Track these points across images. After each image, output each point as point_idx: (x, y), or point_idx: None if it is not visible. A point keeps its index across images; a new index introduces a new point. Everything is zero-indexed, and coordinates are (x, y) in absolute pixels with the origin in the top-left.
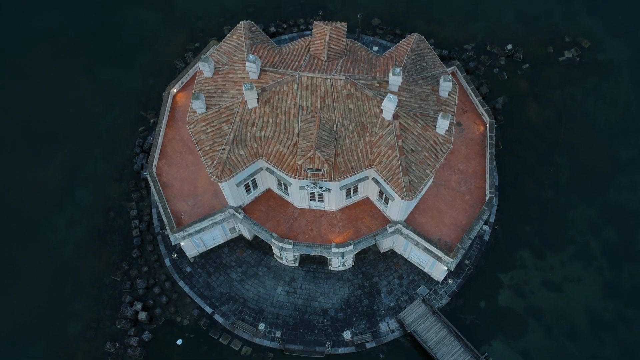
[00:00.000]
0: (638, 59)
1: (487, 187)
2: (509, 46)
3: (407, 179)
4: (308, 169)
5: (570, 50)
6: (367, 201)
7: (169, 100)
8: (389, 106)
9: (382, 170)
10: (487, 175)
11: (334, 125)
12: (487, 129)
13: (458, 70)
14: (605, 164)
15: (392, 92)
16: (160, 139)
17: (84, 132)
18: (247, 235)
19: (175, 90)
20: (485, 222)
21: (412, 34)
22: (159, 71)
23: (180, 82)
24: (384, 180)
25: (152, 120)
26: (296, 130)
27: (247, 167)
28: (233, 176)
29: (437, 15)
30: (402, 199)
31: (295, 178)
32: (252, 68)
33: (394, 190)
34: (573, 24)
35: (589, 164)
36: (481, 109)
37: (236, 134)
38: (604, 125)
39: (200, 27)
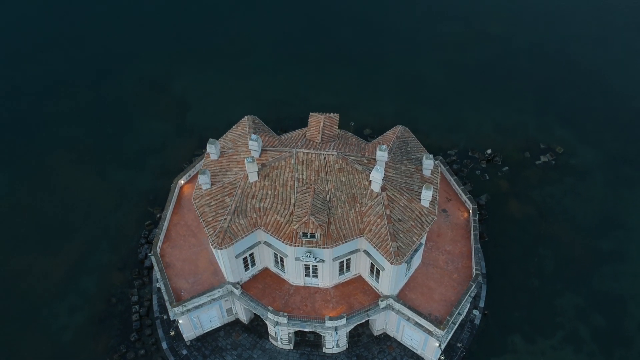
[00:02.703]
0: (608, 163)
1: (473, 265)
2: (489, 151)
3: (395, 245)
4: (303, 234)
5: (546, 155)
6: (359, 279)
7: (176, 190)
8: (376, 177)
9: (372, 237)
10: (473, 254)
11: (327, 196)
12: (471, 214)
13: (441, 164)
14: (588, 255)
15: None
16: (165, 224)
17: (93, 226)
18: (244, 318)
19: (182, 182)
20: (476, 307)
21: (397, 125)
22: (167, 173)
23: (187, 174)
24: (374, 247)
25: (158, 215)
26: (292, 201)
27: (246, 235)
28: (233, 244)
29: (422, 127)
30: (392, 263)
31: (290, 245)
32: (254, 146)
33: (383, 255)
34: (547, 133)
35: (572, 255)
36: (464, 197)
37: (237, 205)
38: (583, 221)
39: (207, 136)
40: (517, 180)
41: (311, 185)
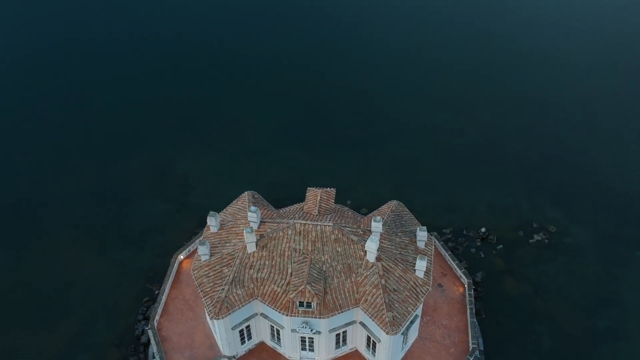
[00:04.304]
0: (601, 242)
1: (470, 338)
2: (483, 229)
3: (390, 315)
4: (299, 303)
5: (539, 233)
6: (356, 353)
7: (176, 265)
8: (371, 247)
9: (368, 308)
10: (469, 328)
11: (323, 266)
12: (466, 288)
13: (435, 239)
14: (585, 333)
15: None
16: (164, 297)
17: (91, 303)
18: None
19: (182, 257)
20: None
21: (392, 200)
22: (167, 251)
23: (187, 249)
24: (370, 317)
25: (156, 292)
26: (289, 271)
27: (243, 305)
28: (229, 314)
29: (418, 207)
30: (387, 333)
31: (287, 315)
32: (253, 218)
33: (379, 326)
34: (539, 213)
35: (569, 333)
36: (459, 272)
37: (235, 275)
38: (578, 298)
39: (207, 216)
40: (511, 258)
41: (308, 255)
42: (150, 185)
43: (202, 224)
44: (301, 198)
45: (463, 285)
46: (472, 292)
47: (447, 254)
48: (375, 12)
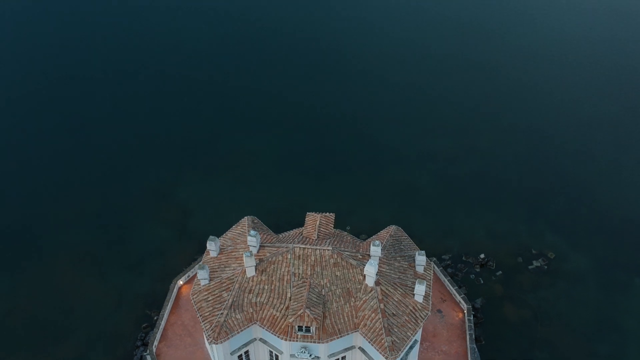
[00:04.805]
0: (600, 268)
1: None
2: (482, 255)
3: (389, 339)
4: (298, 328)
5: (538, 260)
6: None
7: (175, 290)
8: (370, 270)
9: (367, 332)
10: (469, 354)
11: (323, 290)
12: (465, 314)
13: (434, 265)
14: (585, 359)
15: None
16: (162, 323)
17: (90, 328)
18: None
19: (181, 282)
20: None
21: (391, 225)
22: (166, 277)
23: (186, 275)
24: (369, 342)
25: (155, 318)
26: (288, 295)
27: (242, 330)
28: (228, 339)
29: (417, 233)
30: (386, 358)
31: (286, 340)
32: (252, 242)
33: (378, 350)
34: (538, 239)
35: (569, 359)
36: (458, 298)
37: (234, 299)
38: (578, 324)
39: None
40: (511, 284)
41: (307, 279)
42: (150, 211)
43: (202, 249)
44: (300, 223)
45: (462, 311)
46: (472, 318)
47: (446, 280)
48: (375, 42)
